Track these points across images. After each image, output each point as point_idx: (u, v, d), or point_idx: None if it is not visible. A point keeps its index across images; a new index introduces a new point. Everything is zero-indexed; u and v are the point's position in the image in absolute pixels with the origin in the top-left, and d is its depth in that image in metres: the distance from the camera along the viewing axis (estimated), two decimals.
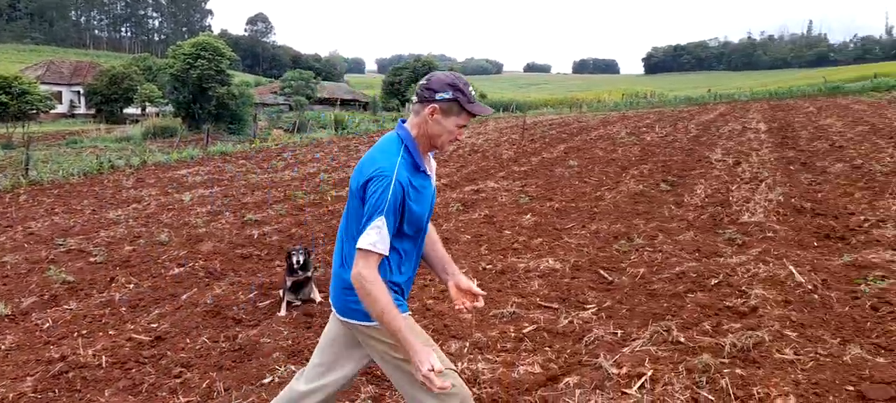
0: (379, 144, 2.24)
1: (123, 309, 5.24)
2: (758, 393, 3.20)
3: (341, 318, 2.32)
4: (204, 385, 3.77)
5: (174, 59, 32.68)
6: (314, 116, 33.89)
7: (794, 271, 5.02)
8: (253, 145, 20.73)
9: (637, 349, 3.85)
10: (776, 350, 3.68)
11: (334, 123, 27.43)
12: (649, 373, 3.50)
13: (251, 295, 5.40)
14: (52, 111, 43.72)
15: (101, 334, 4.71)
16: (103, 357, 4.21)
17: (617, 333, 4.15)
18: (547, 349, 3.97)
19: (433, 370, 2.03)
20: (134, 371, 4.03)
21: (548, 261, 5.89)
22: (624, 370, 3.58)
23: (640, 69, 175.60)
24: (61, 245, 7.41)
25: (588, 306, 4.71)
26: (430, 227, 2.40)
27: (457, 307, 2.44)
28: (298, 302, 5.11)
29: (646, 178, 10.29)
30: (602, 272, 5.53)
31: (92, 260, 6.74)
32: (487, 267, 5.87)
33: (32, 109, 30.63)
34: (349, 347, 2.40)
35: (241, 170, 14.36)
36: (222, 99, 30.08)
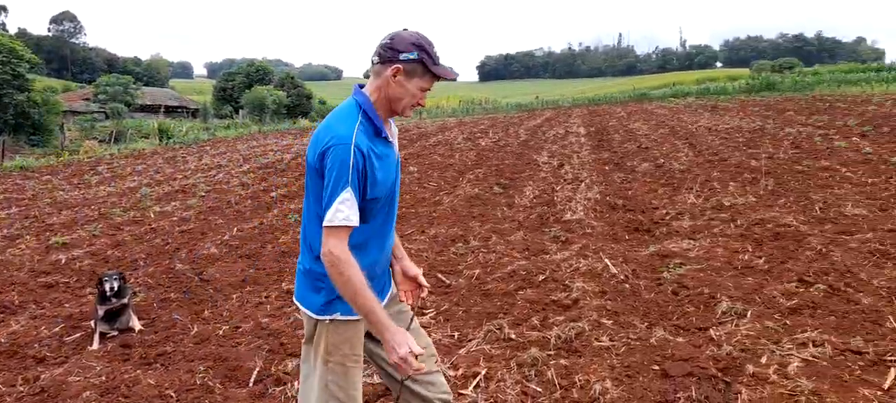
0: (335, 111, 2.06)
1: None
2: (579, 381, 3.46)
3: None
4: None
5: None
6: (135, 125, 31.10)
7: (608, 263, 5.52)
8: (60, 158, 18.54)
9: (472, 349, 3.99)
10: (595, 338, 4.02)
11: (158, 132, 25.37)
12: (484, 372, 3.65)
13: (56, 329, 4.80)
14: None
15: None
16: None
17: (454, 335, 4.27)
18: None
19: (411, 352, 1.93)
20: None
21: None
22: (460, 371, 3.70)
23: (475, 76, 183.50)
24: None
25: (427, 311, 4.79)
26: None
27: (400, 297, 2.29)
28: (114, 333, 4.64)
29: (481, 182, 10.75)
30: (440, 276, 5.67)
31: None
32: None
33: None
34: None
35: (45, 186, 12.75)
36: (22, 107, 26.43)
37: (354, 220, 1.92)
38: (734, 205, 7.48)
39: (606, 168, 11.63)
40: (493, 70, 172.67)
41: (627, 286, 5.05)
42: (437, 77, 2.04)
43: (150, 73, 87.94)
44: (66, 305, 5.43)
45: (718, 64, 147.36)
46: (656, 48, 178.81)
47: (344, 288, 1.92)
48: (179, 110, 55.45)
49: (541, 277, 5.35)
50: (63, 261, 6.77)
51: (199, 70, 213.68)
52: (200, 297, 5.47)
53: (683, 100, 32.65)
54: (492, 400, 3.37)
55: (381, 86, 2.04)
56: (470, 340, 4.16)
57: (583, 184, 9.73)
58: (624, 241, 6.61)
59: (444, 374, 3.62)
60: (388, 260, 2.27)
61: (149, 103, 52.34)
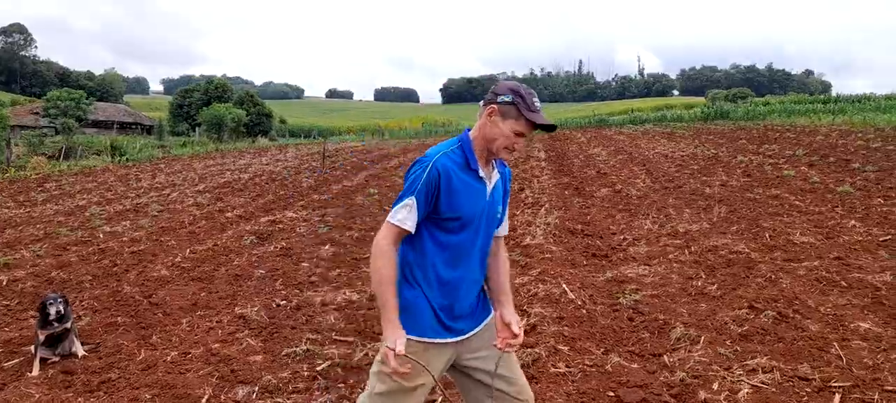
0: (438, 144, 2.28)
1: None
2: None
3: None
4: None
5: None
6: (86, 141, 30.18)
7: (566, 289, 5.55)
8: (6, 175, 17.84)
9: None
10: (551, 364, 4.02)
11: (110, 149, 24.67)
12: (439, 400, 3.60)
13: None
14: None
15: None
16: None
17: None
18: (341, 385, 3.90)
19: (394, 350, 2.00)
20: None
21: (345, 293, 5.83)
22: None
23: (438, 98, 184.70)
24: None
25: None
26: (503, 253, 2.42)
27: (492, 343, 2.28)
28: (55, 359, 4.43)
29: None
30: None
31: None
32: (282, 302, 5.64)
33: None
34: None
35: None
36: None
37: (408, 226, 2.12)
38: (689, 232, 7.64)
39: (566, 193, 11.77)
40: (456, 93, 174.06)
41: (584, 311, 5.08)
42: (530, 123, 2.15)
43: (104, 88, 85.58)
44: (6, 329, 5.18)
45: (675, 92, 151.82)
46: (615, 75, 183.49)
47: (374, 275, 2.13)
48: (134, 127, 54.12)
49: None
50: (4, 282, 6.46)
51: (156, 86, 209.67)
52: (149, 321, 5.28)
53: (641, 126, 33.43)
54: None
55: (481, 126, 2.21)
56: None
57: (543, 208, 9.82)
58: (582, 266, 6.67)
59: None
60: (469, 291, 2.29)
61: (101, 119, 50.94)
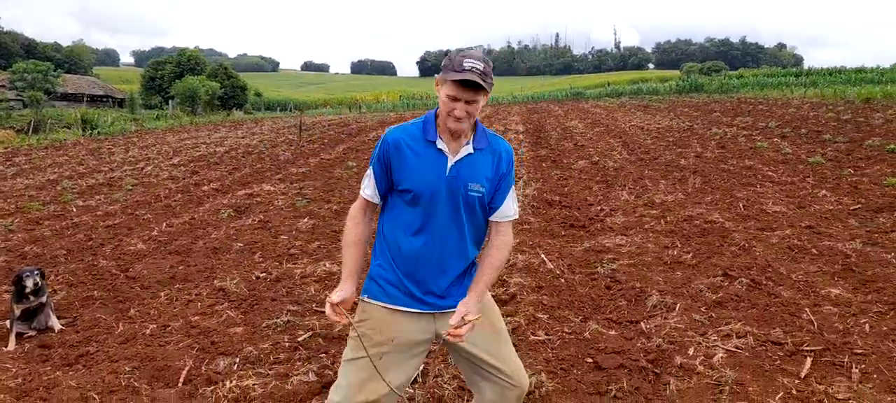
0: None
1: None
2: None
3: None
4: None
5: None
6: (56, 114, 29.43)
7: (545, 259, 5.62)
8: None
9: None
10: (531, 332, 4.08)
11: (81, 123, 24.12)
12: (421, 368, 3.63)
13: None
14: None
15: None
16: None
17: None
18: (322, 355, 3.91)
19: (331, 302, 2.15)
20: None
21: (325, 265, 5.82)
22: None
23: (416, 72, 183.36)
24: None
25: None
26: (498, 240, 2.28)
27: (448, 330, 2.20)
28: (31, 333, 4.37)
29: None
30: None
31: None
32: (261, 275, 5.62)
33: None
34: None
35: None
36: None
37: (368, 194, 2.28)
38: (664, 202, 7.75)
39: (544, 165, 11.83)
40: (434, 65, 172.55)
41: (563, 280, 5.15)
42: (456, 83, 2.06)
43: (72, 61, 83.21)
44: None
45: (651, 65, 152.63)
46: (592, 48, 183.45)
47: (343, 236, 2.32)
48: (104, 100, 52.88)
49: None
50: None
51: (127, 58, 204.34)
52: (126, 295, 5.22)
53: (618, 99, 33.63)
54: (429, 395, 3.37)
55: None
56: None
57: (521, 180, 9.86)
58: (560, 237, 6.74)
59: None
60: (438, 266, 2.24)
61: (71, 92, 49.64)
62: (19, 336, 4.31)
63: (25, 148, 17.82)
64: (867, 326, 3.91)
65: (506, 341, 2.39)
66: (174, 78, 47.25)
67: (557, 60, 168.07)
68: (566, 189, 9.36)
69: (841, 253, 5.38)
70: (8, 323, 4.38)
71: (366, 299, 2.28)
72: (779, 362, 3.52)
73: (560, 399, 3.28)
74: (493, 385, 2.34)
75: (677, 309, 4.34)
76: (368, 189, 2.27)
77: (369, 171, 2.26)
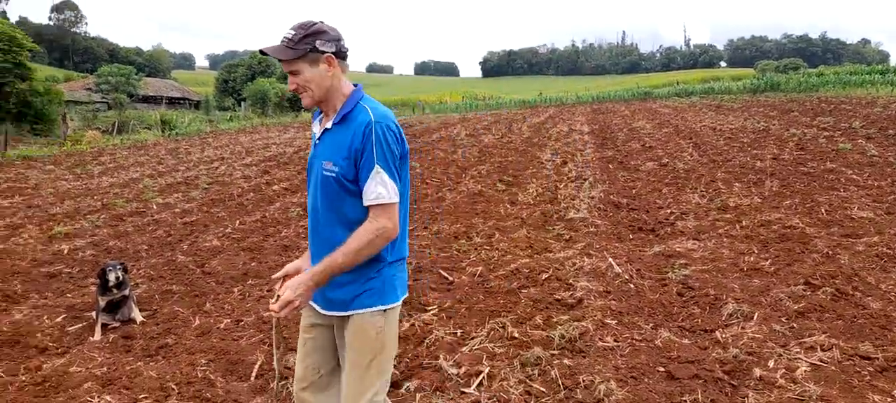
0: None
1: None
2: (583, 381, 3.42)
3: None
4: None
5: None
6: (137, 116, 31.04)
7: (613, 263, 5.48)
8: (63, 148, 18.52)
9: (475, 347, 3.96)
10: (599, 338, 3.98)
11: (161, 124, 25.33)
12: (487, 370, 3.61)
13: (58, 319, 4.78)
14: None
15: None
16: None
17: (457, 333, 4.23)
18: None
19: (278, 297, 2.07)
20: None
21: None
22: (463, 369, 3.66)
23: (478, 72, 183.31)
24: None
25: (429, 307, 4.76)
26: (362, 227, 2.07)
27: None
28: (115, 324, 4.61)
29: (484, 178, 10.71)
30: (443, 272, 5.63)
31: None
32: None
33: None
34: None
35: (47, 176, 12.72)
36: (24, 96, 26.35)
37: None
38: (739, 206, 7.43)
39: (610, 166, 11.58)
40: (496, 66, 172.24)
41: (632, 286, 5.01)
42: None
43: (152, 64, 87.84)
44: (69, 295, 5.41)
45: (722, 63, 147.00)
46: (660, 46, 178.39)
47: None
48: (182, 101, 55.41)
49: (544, 275, 5.31)
50: (65, 251, 6.74)
51: (201, 62, 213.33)
52: (202, 290, 5.44)
53: (687, 99, 32.57)
54: (495, 399, 3.34)
55: None
56: (473, 338, 4.13)
57: (587, 182, 9.69)
58: (628, 240, 6.57)
59: (447, 371, 3.59)
60: (312, 250, 2.30)
61: (151, 94, 52.29)
62: (104, 326, 4.55)
63: (110, 147, 18.86)
64: None
65: (351, 379, 2.21)
66: (246, 80, 48.99)
67: (624, 59, 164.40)
68: (634, 191, 9.12)
69: None
70: (94, 314, 4.64)
71: None
72: (869, 378, 3.30)
73: None
74: None
75: (755, 318, 4.14)
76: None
77: None
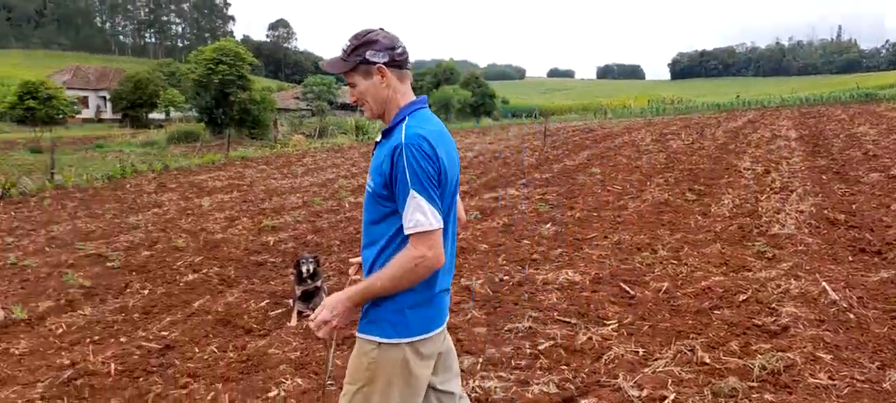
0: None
1: (136, 315, 5.19)
2: None
3: None
4: (209, 397, 3.67)
5: (196, 64, 33.02)
6: (335, 122, 33.99)
7: (827, 288, 4.77)
8: (273, 150, 20.82)
9: (659, 369, 3.64)
10: (809, 373, 3.46)
11: (355, 129, 27.46)
12: (672, 396, 3.30)
13: (262, 304, 5.30)
14: (78, 116, 44.59)
15: (112, 341, 4.65)
16: (112, 364, 4.12)
17: (638, 352, 3.94)
18: (563, 367, 3.78)
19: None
20: (141, 380, 3.94)
21: (567, 273, 5.69)
22: (645, 392, 3.39)
23: (666, 74, 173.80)
24: (81, 249, 7.41)
25: (608, 322, 4.50)
26: (405, 251, 1.94)
27: None
28: (309, 312, 4.99)
29: (671, 187, 10.02)
30: (624, 285, 5.32)
31: (109, 265, 6.73)
32: (505, 278, 5.69)
33: (59, 114, 31.17)
34: None
35: (260, 175, 14.37)
36: (244, 104, 30.28)
37: None
38: None
39: (823, 177, 10.21)
40: (686, 68, 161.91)
41: (851, 316, 4.31)
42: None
43: None
44: (272, 282, 5.99)
45: None
46: (886, 42, 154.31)
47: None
48: None
49: (741, 297, 4.77)
50: (271, 243, 7.50)
51: None
52: None
53: None
54: None
55: None
56: (656, 359, 3.81)
57: (794, 193, 8.61)
58: (846, 263, 5.69)
59: (627, 392, 3.35)
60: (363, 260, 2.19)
61: (348, 102, 56.94)
62: (300, 314, 4.95)
63: (312, 150, 20.84)
64: None
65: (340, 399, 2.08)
66: (432, 87, 51.42)
67: (839, 57, 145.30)
68: (854, 206, 7.92)
69: None
70: (292, 301, 5.06)
71: None
72: None
73: None
74: None
75: None
76: None
77: None
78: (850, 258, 5.84)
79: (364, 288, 1.94)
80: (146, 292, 5.78)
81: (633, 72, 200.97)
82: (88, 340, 4.66)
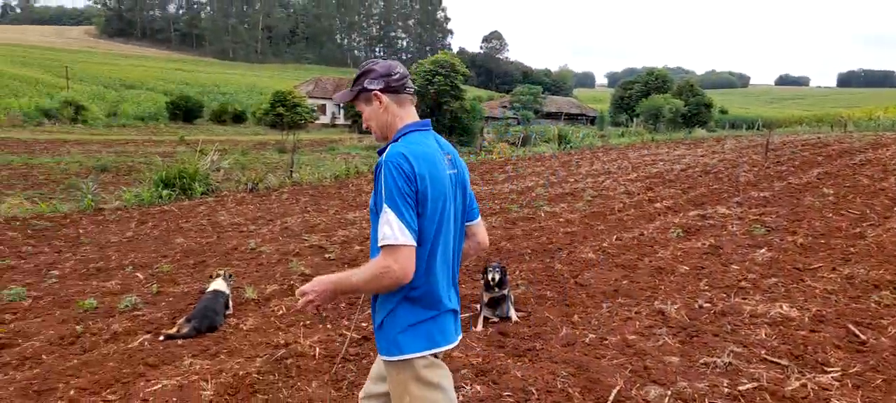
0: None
1: (343, 305, 5.69)
2: None
3: None
4: None
5: (416, 76, 35.48)
6: (539, 130, 34.18)
7: None
8: (478, 158, 21.54)
9: None
10: None
11: (557, 138, 27.32)
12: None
13: None
14: (317, 121, 50.49)
15: (320, 326, 5.16)
16: (317, 348, 4.57)
17: None
18: None
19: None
20: (339, 366, 4.32)
21: (781, 307, 5.06)
22: None
23: None
24: (306, 240, 8.36)
25: (829, 368, 3.91)
26: (375, 258, 2.15)
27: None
28: (495, 319, 5.07)
29: None
30: (853, 327, 4.58)
31: (326, 256, 7.48)
32: (705, 305, 5.24)
33: (302, 120, 35.52)
34: None
35: None
36: (456, 113, 31.84)
37: None
38: None
39: None
40: None
41: None
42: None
43: (557, 84, 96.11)
44: (463, 286, 6.19)
45: None
46: None
47: None
48: (579, 117, 58.96)
49: None
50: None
51: (601, 80, 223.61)
52: (573, 300, 5.58)
53: None
54: None
55: None
56: None
57: None
58: None
59: None
60: None
61: (553, 110, 57.09)
62: (485, 320, 5.05)
63: (515, 158, 21.18)
64: None
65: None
66: (641, 96, 49.28)
67: None
68: None
69: None
70: (479, 307, 5.18)
71: None
72: None
73: None
74: None
75: None
76: None
77: None
78: None
79: (344, 277, 2.11)
80: None
81: (883, 79, 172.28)
82: (301, 324, 5.22)
